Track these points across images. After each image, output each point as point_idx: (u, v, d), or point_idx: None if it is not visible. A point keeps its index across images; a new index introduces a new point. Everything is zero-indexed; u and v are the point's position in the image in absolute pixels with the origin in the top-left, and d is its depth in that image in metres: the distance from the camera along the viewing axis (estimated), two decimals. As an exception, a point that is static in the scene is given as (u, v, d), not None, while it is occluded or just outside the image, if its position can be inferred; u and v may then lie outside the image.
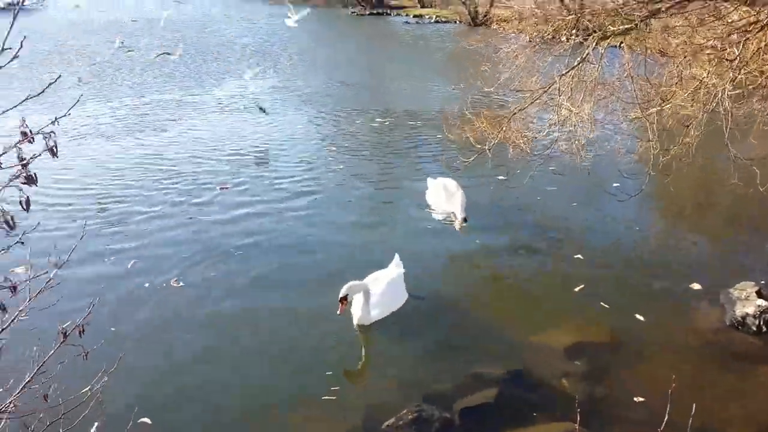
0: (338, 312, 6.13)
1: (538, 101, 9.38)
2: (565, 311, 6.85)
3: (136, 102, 17.28)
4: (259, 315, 6.66)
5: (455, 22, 43.69)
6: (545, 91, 9.32)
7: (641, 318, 6.62)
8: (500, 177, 10.84)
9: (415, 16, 48.66)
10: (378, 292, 6.52)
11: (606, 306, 6.84)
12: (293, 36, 30.94)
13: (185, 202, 9.67)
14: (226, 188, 10.27)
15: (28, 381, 2.62)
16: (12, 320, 2.42)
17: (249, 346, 6.13)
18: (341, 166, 11.63)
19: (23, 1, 2.41)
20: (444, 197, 9.23)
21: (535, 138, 10.04)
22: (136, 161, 11.84)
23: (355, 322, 6.41)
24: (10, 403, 2.54)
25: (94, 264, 7.57)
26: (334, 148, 12.89)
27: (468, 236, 8.65)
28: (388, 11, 53.98)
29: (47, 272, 2.87)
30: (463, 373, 5.68)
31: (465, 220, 8.82)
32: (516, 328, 6.46)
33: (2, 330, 2.43)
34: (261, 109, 14.74)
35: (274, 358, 5.94)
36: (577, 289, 7.19)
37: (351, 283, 6.22)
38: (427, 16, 47.70)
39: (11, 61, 2.02)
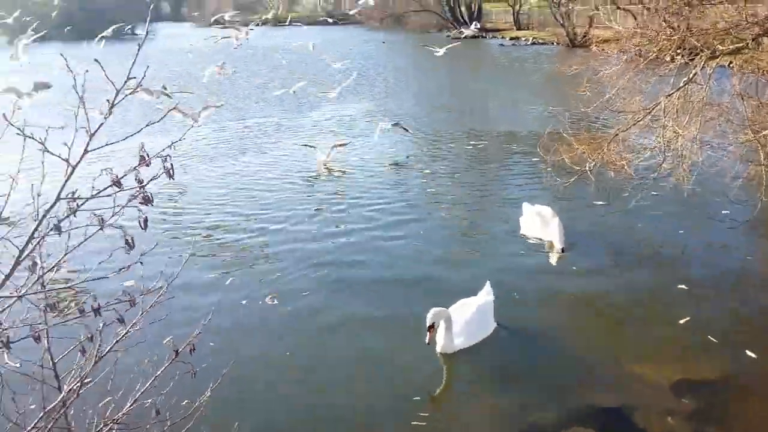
0: (426, 340, 6.06)
1: (641, 122, 9.07)
2: (668, 344, 6.47)
3: (238, 125, 18.10)
4: (349, 336, 6.71)
5: (553, 43, 43.09)
6: (649, 112, 9.00)
7: (753, 355, 6.16)
8: (599, 202, 10.48)
9: (511, 39, 48.40)
10: (463, 320, 6.39)
11: (714, 340, 6.43)
12: (388, 60, 31.47)
13: (283, 224, 9.92)
14: (321, 210, 10.53)
15: (141, 394, 2.76)
16: (125, 332, 2.57)
17: (340, 366, 6.18)
18: (434, 190, 11.65)
19: (144, 31, 2.58)
20: (539, 225, 8.93)
21: (638, 161, 9.67)
22: (238, 183, 12.35)
23: (438, 350, 6.31)
24: (123, 414, 2.69)
25: (195, 281, 7.89)
26: (428, 171, 12.94)
27: (564, 264, 8.35)
28: (484, 34, 53.96)
29: (154, 288, 3.01)
30: (558, 407, 5.47)
31: (563, 250, 8.49)
32: (615, 362, 6.14)
33: (116, 342, 2.58)
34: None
35: (363, 378, 5.95)
36: (681, 322, 6.80)
37: (434, 310, 6.13)
38: (523, 38, 47.32)
39: (136, 89, 2.17)
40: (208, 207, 10.90)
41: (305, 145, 13.89)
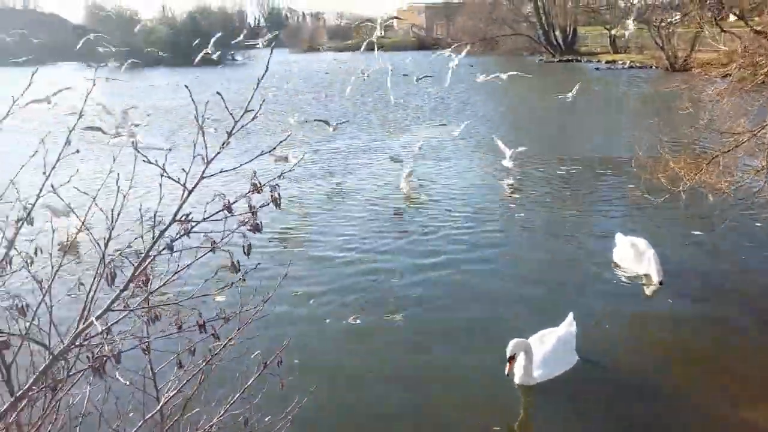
0: (506, 371, 5.94)
1: (744, 144, 8.65)
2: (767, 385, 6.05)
3: (325, 147, 18.48)
4: (429, 363, 6.67)
5: (651, 67, 41.75)
6: (754, 134, 8.58)
7: None
8: (696, 232, 9.97)
9: (607, 62, 47.33)
10: (543, 352, 6.21)
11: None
12: (477, 84, 31.31)
13: (368, 252, 9.92)
14: (407, 234, 10.58)
15: (231, 404, 2.87)
16: (222, 347, 2.68)
17: (419, 392, 6.13)
18: (522, 215, 11.47)
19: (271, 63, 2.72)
20: (632, 256, 8.53)
21: (739, 184, 9.16)
22: (326, 205, 12.62)
23: (516, 381, 6.13)
24: (212, 426, 2.80)
25: (282, 298, 7.99)
26: (516, 196, 12.78)
27: (659, 298, 7.95)
28: (578, 57, 52.99)
29: (248, 309, 3.13)
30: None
31: (661, 283, 8.06)
32: (708, 402, 5.78)
33: (213, 355, 2.69)
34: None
35: (442, 406, 5.89)
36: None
37: (516, 340, 5.98)
38: (620, 62, 46.14)
39: (252, 120, 2.30)
40: (297, 228, 11.15)
41: (392, 158, 13.89)
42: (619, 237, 9.02)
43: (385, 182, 14.15)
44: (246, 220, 2.23)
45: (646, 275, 8.32)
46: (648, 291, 8.13)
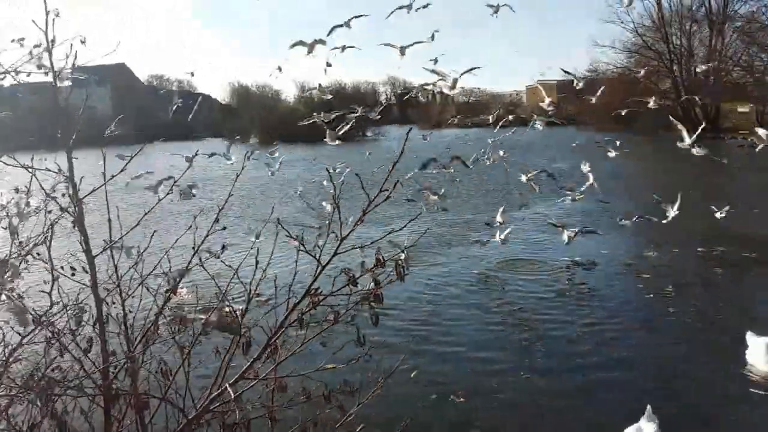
0: None
1: None
2: None
3: (452, 217, 18.50)
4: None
5: (806, 144, 38.69)
6: None
7: None
8: None
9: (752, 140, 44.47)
10: None
11: None
12: (615, 164, 30.60)
13: (481, 326, 9.70)
14: (520, 310, 10.28)
15: None
16: (344, 419, 2.70)
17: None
18: (651, 296, 10.87)
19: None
20: (765, 360, 7.65)
21: None
22: (442, 278, 12.56)
23: None
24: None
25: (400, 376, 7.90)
26: (647, 275, 12.10)
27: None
28: (721, 135, 50.35)
29: (371, 380, 3.14)
30: None
31: None
32: None
33: (338, 426, 2.71)
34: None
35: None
36: None
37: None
38: (768, 139, 43.20)
39: (386, 200, 2.39)
40: (413, 302, 11.08)
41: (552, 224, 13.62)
42: (750, 336, 8.07)
43: (516, 255, 13.87)
44: (369, 291, 2.29)
45: None
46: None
